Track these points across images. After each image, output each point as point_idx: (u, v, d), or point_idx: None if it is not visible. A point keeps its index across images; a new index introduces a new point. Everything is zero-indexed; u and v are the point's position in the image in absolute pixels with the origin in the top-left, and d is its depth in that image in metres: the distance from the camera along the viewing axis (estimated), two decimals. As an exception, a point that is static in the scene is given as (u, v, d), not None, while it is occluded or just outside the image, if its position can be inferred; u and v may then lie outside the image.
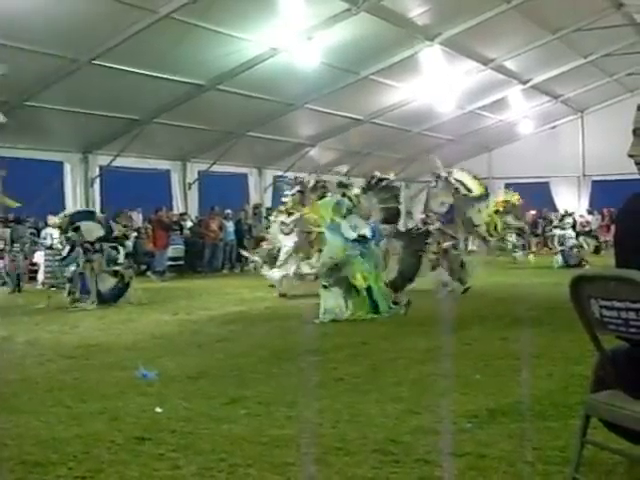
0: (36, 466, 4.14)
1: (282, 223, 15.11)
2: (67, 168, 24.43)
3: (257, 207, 28.43)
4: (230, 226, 25.18)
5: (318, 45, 21.09)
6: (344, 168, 14.72)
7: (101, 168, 24.47)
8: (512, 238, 24.89)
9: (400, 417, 4.96)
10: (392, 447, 4.29)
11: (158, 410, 5.27)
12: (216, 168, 29.74)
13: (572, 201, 34.32)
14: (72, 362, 7.48)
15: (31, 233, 20.57)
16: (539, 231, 32.96)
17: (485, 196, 15.36)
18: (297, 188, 14.99)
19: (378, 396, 5.54)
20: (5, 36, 17.37)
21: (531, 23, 22.56)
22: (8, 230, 19.67)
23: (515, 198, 22.73)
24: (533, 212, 33.94)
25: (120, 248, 13.94)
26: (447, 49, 23.31)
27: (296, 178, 16.02)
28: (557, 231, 23.84)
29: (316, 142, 31.76)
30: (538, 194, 34.58)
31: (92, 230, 13.72)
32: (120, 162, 24.55)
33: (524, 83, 28.53)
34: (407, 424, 4.77)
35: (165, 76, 21.77)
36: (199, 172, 29.47)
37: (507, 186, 29.21)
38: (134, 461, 4.18)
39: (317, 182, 14.86)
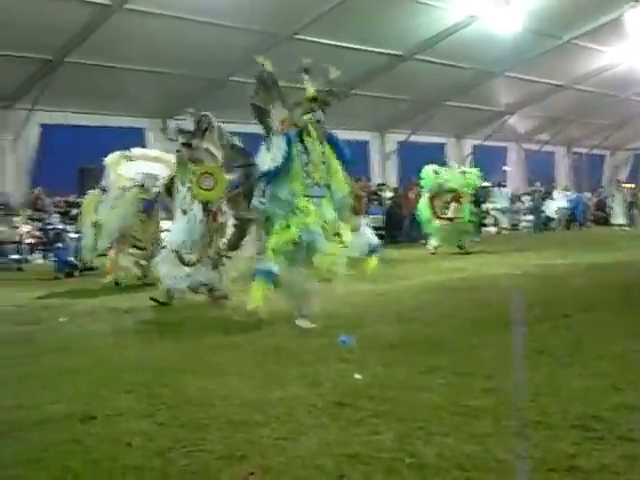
0: (241, 425, 4.34)
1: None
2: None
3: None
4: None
5: (518, 10, 20.59)
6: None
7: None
8: None
9: (603, 392, 4.80)
10: (594, 423, 4.16)
11: (357, 376, 5.37)
12: (414, 138, 29.75)
13: None
14: (274, 328, 7.73)
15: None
16: None
17: None
18: (180, 139, 10.31)
19: (580, 370, 5.38)
20: (212, 14, 18.16)
21: None
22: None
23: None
24: None
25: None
26: (657, 8, 22.10)
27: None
28: None
29: (515, 110, 31.10)
30: None
31: None
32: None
33: None
34: (610, 400, 4.61)
35: (364, 47, 21.99)
36: (398, 142, 29.58)
37: None
38: (334, 425, 4.29)
39: (200, 120, 10.27)
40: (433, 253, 17.99)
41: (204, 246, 10.01)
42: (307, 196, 7.90)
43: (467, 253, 17.62)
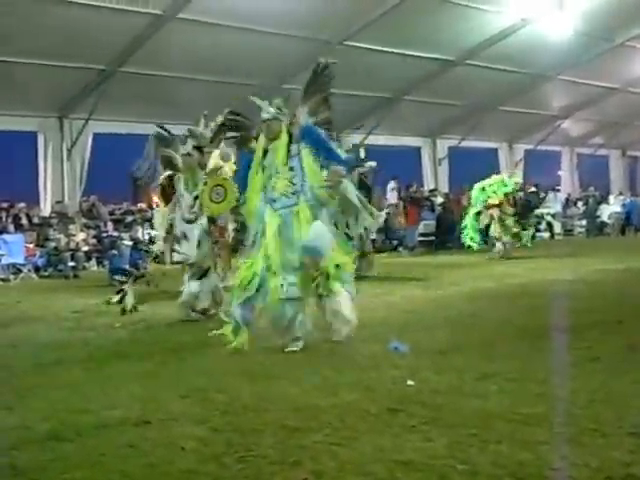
0: (295, 431, 4.36)
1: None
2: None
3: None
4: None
5: (570, 13, 20.42)
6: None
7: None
8: None
9: (659, 400, 4.74)
10: (650, 431, 4.12)
11: (410, 383, 5.37)
12: (466, 143, 29.60)
13: None
14: (329, 334, 7.69)
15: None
16: None
17: None
18: (190, 143, 9.63)
19: (634, 377, 5.31)
20: (263, 23, 18.37)
21: None
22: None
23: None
24: None
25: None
26: None
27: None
28: None
29: (569, 114, 30.76)
30: None
31: None
32: (370, 140, 25.01)
33: None
34: (667, 407, 4.56)
35: (415, 53, 21.97)
36: (449, 148, 29.48)
37: None
38: (387, 431, 4.29)
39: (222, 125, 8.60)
40: (501, 257, 17.84)
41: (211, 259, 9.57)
42: (275, 210, 7.05)
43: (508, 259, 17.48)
